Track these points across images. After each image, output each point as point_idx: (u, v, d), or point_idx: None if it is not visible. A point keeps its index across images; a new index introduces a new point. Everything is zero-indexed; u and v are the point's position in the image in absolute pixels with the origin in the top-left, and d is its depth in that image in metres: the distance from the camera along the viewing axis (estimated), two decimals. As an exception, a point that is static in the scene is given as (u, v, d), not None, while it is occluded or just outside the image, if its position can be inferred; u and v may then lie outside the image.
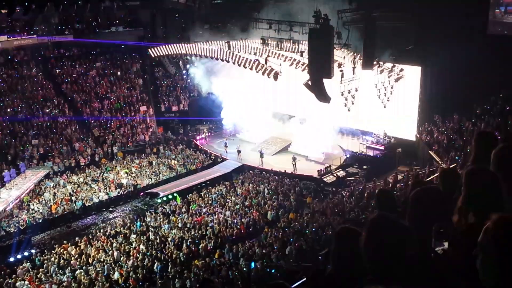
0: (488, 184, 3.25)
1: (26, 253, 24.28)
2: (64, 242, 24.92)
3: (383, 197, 5.56)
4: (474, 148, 4.63)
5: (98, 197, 29.94)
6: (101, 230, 26.33)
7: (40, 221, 27.45)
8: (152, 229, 25.42)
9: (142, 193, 30.79)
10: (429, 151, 27.08)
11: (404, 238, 2.70)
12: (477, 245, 2.41)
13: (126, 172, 32.76)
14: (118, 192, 30.62)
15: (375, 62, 28.72)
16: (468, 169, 3.53)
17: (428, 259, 3.13)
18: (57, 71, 41.02)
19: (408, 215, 3.76)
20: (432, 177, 22.26)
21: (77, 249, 23.83)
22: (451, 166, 20.24)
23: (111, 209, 29.55)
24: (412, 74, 30.84)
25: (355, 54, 28.74)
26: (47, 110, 36.85)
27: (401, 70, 30.36)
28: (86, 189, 30.91)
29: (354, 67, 28.47)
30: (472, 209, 3.24)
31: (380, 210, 4.64)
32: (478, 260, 2.34)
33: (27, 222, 27.09)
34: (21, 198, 28.42)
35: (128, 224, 26.36)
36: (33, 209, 28.29)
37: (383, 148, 32.24)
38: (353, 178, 30.24)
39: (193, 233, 24.37)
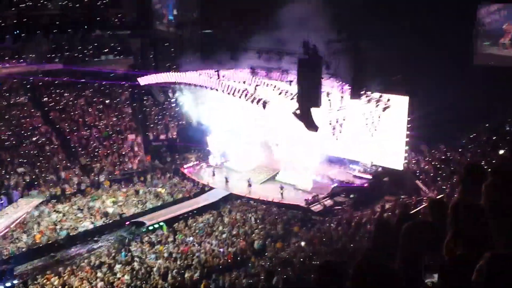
0: (474, 217, 3.20)
1: (8, 284, 23.71)
2: (48, 272, 24.41)
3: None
4: (462, 180, 4.58)
5: (83, 226, 29.51)
6: (86, 260, 25.87)
7: (24, 250, 26.96)
8: (138, 259, 25.03)
9: (128, 222, 30.39)
10: (416, 181, 27.11)
11: (390, 283, 2.67)
12: (465, 278, 2.36)
13: (113, 201, 32.42)
14: (104, 221, 30.22)
15: (363, 92, 28.87)
16: (454, 201, 3.48)
17: None
18: (46, 99, 40.92)
19: (400, 249, 3.70)
20: (419, 207, 22.28)
21: (61, 280, 23.36)
22: (439, 197, 20.30)
23: (96, 238, 29.08)
24: (399, 104, 31.02)
25: (343, 83, 28.92)
26: (34, 139, 36.59)
27: (388, 100, 30.49)
28: (71, 218, 30.49)
29: (342, 96, 28.63)
30: (460, 242, 3.19)
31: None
32: None
33: (10, 251, 26.59)
34: (10, 228, 28.00)
35: (113, 254, 25.95)
36: (16, 239, 27.81)
37: (370, 177, 32.23)
38: (340, 207, 30.13)
39: (179, 263, 24.02)
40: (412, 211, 16.43)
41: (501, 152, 23.67)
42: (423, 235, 3.65)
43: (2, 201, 30.64)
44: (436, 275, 3.65)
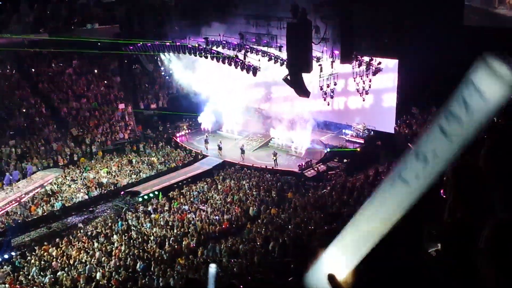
0: (476, 179, 3.26)
1: (6, 256, 23.90)
2: (45, 243, 24.60)
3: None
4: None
5: (78, 197, 29.62)
6: (82, 231, 26.06)
7: (20, 222, 27.08)
8: (134, 228, 25.25)
9: (122, 192, 30.52)
10: (408, 144, 27.29)
11: None
12: (468, 243, 2.42)
13: (106, 171, 32.45)
14: (99, 192, 30.32)
15: (353, 56, 28.82)
16: (454, 165, 3.53)
17: (421, 261, 3.14)
18: (33, 70, 40.42)
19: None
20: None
21: (58, 250, 23.56)
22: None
23: (91, 209, 29.23)
24: (390, 67, 31.06)
25: (333, 48, 28.79)
26: (24, 110, 36.28)
27: (379, 63, 30.51)
28: (65, 189, 30.54)
29: (332, 61, 28.58)
30: (461, 205, 3.25)
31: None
32: (479, 265, 2.35)
33: (6, 224, 26.70)
34: (20, 200, 28.02)
35: (109, 224, 26.14)
36: (11, 211, 27.88)
37: (363, 142, 32.45)
38: (334, 172, 30.41)
39: (175, 231, 24.28)
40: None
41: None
42: (424, 202, 3.70)
43: (13, 175, 30.53)
44: (439, 244, 3.74)
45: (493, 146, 3.86)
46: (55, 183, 30.84)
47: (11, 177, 30.27)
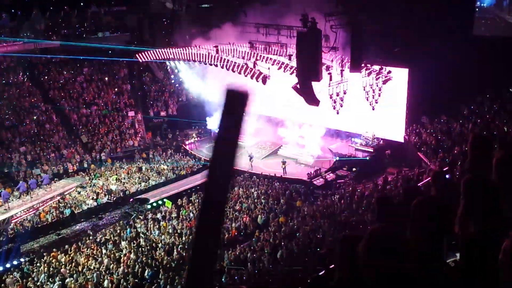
0: (487, 193, 3.26)
1: (15, 262, 24.01)
2: (54, 250, 24.72)
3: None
4: (470, 153, 4.63)
5: (87, 204, 29.73)
6: (91, 237, 26.14)
7: (29, 229, 27.21)
8: (143, 235, 25.28)
9: (131, 199, 30.60)
10: (418, 153, 27.22)
11: (403, 252, 2.71)
12: (486, 256, 2.42)
13: (116, 179, 32.56)
14: (108, 199, 30.42)
15: (362, 65, 28.79)
16: (467, 178, 3.52)
17: (440, 272, 3.13)
18: (44, 77, 40.75)
19: (412, 227, 3.75)
20: (422, 179, 22.46)
21: (67, 257, 23.63)
22: (442, 169, 20.42)
23: (100, 216, 29.34)
24: (400, 76, 30.96)
25: (343, 56, 28.80)
26: (35, 117, 36.56)
27: (389, 72, 30.42)
28: (75, 196, 30.66)
29: (342, 70, 28.56)
30: (472, 218, 3.25)
31: (379, 219, 4.59)
32: (499, 276, 2.35)
33: (16, 230, 26.84)
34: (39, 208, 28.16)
35: (118, 231, 26.19)
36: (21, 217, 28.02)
37: (372, 150, 32.32)
38: (342, 180, 30.31)
39: (184, 238, 24.28)
40: (415, 185, 16.60)
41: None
42: (436, 213, 3.69)
43: (30, 183, 30.53)
44: (458, 254, 3.72)
45: (504, 158, 3.86)
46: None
47: (26, 185, 30.28)
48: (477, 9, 29.20)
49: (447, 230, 3.40)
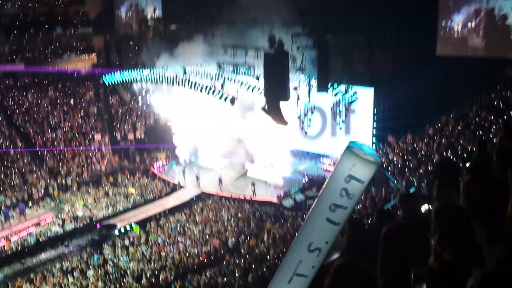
0: (459, 220, 3.23)
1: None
2: (19, 279, 24.03)
3: (405, 202, 4.91)
4: (438, 177, 4.63)
5: (53, 231, 28.99)
6: (57, 266, 25.47)
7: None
8: (111, 262, 24.76)
9: (98, 225, 29.97)
10: (384, 173, 27.44)
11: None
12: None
13: (83, 204, 31.90)
14: (74, 225, 29.74)
15: (329, 85, 29.10)
16: (438, 206, 3.49)
17: None
18: (8, 101, 39.95)
19: (382, 255, 3.67)
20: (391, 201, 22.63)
21: (32, 286, 22.98)
22: (408, 190, 20.65)
23: (66, 243, 28.60)
24: (366, 95, 31.39)
25: (309, 77, 29.07)
26: (-2, 142, 35.75)
27: (355, 92, 30.82)
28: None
29: (309, 90, 28.81)
30: (446, 247, 3.22)
31: (404, 214, 4.50)
32: None
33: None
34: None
35: (85, 258, 25.60)
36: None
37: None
38: (312, 201, 30.30)
39: (153, 264, 23.87)
40: (387, 210, 16.70)
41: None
42: (409, 242, 3.65)
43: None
44: (424, 285, 3.67)
45: (471, 182, 3.85)
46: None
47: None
48: (446, 28, 29.79)
49: (418, 262, 3.35)
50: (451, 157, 23.11)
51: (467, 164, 6.17)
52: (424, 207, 7.94)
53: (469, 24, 29.08)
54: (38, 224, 29.09)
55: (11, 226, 28.81)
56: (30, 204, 31.80)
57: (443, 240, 3.27)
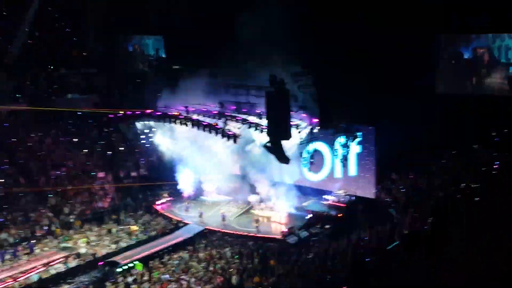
0: None
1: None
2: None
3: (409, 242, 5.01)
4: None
5: (56, 268, 28.84)
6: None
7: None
8: (114, 301, 24.62)
9: (101, 262, 29.81)
10: (389, 209, 27.62)
11: None
12: None
13: (85, 241, 31.82)
14: (77, 263, 29.60)
15: (330, 123, 29.51)
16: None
17: None
18: (11, 139, 40.18)
19: None
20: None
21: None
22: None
23: (69, 280, 28.41)
24: (367, 133, 31.79)
25: (311, 115, 29.48)
26: (1, 180, 35.75)
27: (357, 129, 31.21)
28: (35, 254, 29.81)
29: (311, 128, 29.20)
30: None
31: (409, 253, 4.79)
32: None
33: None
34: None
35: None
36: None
37: (344, 206, 32.64)
38: (316, 238, 30.32)
39: (156, 302, 23.73)
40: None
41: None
42: None
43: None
44: None
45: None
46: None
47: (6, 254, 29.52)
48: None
49: None
50: (455, 194, 23.42)
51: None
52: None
53: (470, 61, 29.82)
54: (47, 264, 28.84)
55: (18, 266, 28.58)
56: (33, 241, 31.72)
57: None
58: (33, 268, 28.08)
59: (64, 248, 30.91)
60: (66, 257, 29.81)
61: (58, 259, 29.43)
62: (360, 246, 24.40)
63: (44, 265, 28.65)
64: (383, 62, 30.24)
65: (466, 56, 30.55)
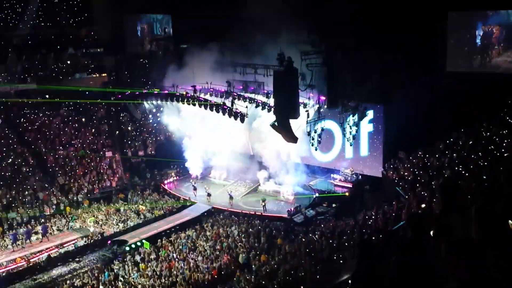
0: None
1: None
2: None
3: (414, 223, 4.96)
4: (442, 199, 4.71)
5: (64, 247, 29.07)
6: (68, 282, 25.50)
7: (4, 274, 26.44)
8: (121, 279, 24.76)
9: (109, 241, 30.00)
10: (396, 187, 27.40)
11: None
12: None
13: (93, 220, 32.00)
14: (85, 241, 29.82)
15: (339, 102, 29.20)
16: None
17: None
18: (20, 119, 40.34)
19: None
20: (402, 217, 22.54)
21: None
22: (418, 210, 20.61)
23: (77, 259, 28.64)
24: (376, 112, 31.48)
25: (319, 94, 29.17)
26: (10, 160, 35.95)
27: (365, 108, 30.87)
28: (47, 236, 30.02)
29: (319, 107, 28.92)
30: None
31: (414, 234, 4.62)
32: None
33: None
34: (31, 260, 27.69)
35: (96, 275, 25.61)
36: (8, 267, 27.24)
37: (351, 186, 32.52)
38: (323, 217, 30.28)
39: (163, 280, 23.84)
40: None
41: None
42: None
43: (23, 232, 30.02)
44: None
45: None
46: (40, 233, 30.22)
47: (19, 235, 29.74)
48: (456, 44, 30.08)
49: None
50: (463, 172, 23.14)
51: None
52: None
53: (481, 40, 29.37)
54: (61, 246, 29.08)
55: (30, 247, 28.83)
56: (42, 220, 31.96)
57: None
58: (46, 249, 28.32)
59: (78, 230, 31.06)
60: (81, 238, 30.03)
61: (71, 240, 29.64)
62: (366, 225, 24.28)
63: (57, 246, 28.87)
64: (393, 40, 29.83)
65: (478, 34, 30.08)
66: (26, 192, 33.99)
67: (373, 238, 20.24)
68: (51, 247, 28.84)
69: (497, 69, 29.26)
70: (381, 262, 4.74)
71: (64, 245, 29.24)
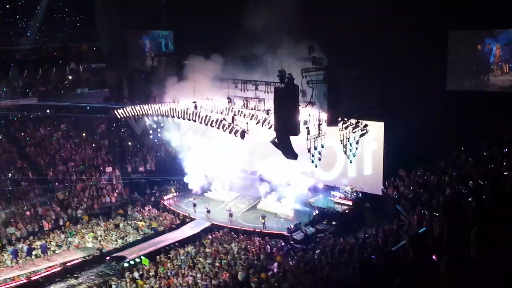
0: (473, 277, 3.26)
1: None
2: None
3: (415, 244, 4.81)
4: (445, 219, 4.64)
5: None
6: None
7: (2, 291, 26.32)
8: (119, 295, 24.59)
9: (108, 257, 29.85)
10: (396, 206, 27.30)
11: None
12: None
13: (92, 236, 31.87)
14: (84, 257, 29.65)
15: (339, 119, 29.20)
16: (447, 261, 3.48)
17: None
18: (21, 134, 40.39)
19: None
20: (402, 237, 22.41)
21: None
22: (418, 230, 20.46)
23: (76, 275, 28.46)
24: (376, 129, 31.42)
25: (319, 111, 29.18)
26: (10, 174, 35.93)
27: (365, 125, 30.83)
28: (50, 254, 29.86)
29: (319, 124, 28.89)
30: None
31: (415, 255, 4.55)
32: None
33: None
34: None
35: (94, 291, 25.44)
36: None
37: (351, 203, 32.39)
38: (323, 234, 30.12)
39: (162, 297, 23.67)
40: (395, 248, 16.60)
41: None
42: None
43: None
44: None
45: (483, 232, 3.83)
46: (39, 249, 30.02)
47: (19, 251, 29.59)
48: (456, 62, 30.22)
49: None
50: (463, 191, 23.04)
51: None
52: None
53: (482, 58, 29.50)
54: (63, 264, 28.88)
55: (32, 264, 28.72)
56: (39, 235, 31.82)
57: None
58: (49, 267, 28.23)
59: (81, 249, 30.92)
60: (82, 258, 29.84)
61: (74, 260, 29.41)
62: (366, 244, 24.15)
63: (61, 264, 28.69)
64: (394, 58, 29.94)
65: (478, 53, 30.19)
66: (25, 207, 33.88)
67: (373, 257, 20.08)
68: (54, 265, 28.59)
69: (498, 88, 29.32)
70: (382, 283, 4.68)
71: (67, 264, 29.00)
